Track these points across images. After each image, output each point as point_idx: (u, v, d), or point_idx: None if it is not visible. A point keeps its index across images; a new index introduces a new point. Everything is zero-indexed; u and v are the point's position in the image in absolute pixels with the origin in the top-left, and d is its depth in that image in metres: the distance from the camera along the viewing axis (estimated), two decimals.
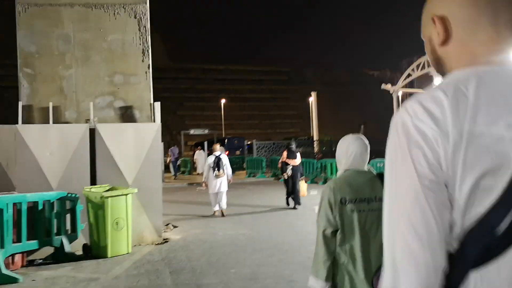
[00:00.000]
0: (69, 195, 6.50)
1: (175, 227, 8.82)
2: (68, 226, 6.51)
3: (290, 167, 10.95)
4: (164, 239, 7.50)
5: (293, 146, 11.58)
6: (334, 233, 2.33)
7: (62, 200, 6.43)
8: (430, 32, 0.97)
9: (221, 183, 9.74)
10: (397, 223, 0.83)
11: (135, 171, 7.27)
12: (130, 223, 6.63)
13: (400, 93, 26.87)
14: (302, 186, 11.10)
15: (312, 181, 16.73)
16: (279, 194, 12.35)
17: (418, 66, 24.00)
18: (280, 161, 11.58)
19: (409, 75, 23.99)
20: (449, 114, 0.81)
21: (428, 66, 22.80)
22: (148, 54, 7.54)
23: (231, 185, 10.56)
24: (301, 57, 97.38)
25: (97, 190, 6.67)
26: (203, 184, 10.23)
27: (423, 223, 0.80)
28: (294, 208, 10.70)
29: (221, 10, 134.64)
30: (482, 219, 0.80)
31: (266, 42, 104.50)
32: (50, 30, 7.18)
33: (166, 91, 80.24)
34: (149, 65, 7.56)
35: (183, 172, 23.69)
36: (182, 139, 22.50)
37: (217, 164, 9.69)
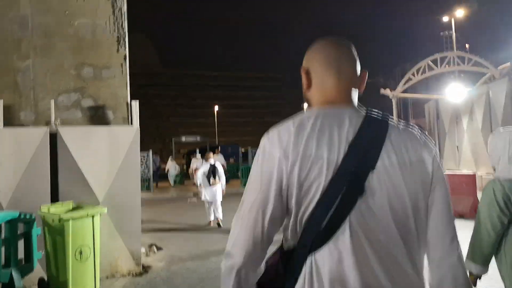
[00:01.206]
0: (23, 216, 5.11)
1: (159, 249, 7.46)
2: (22, 256, 5.15)
3: None
4: (143, 268, 6.13)
5: None
6: None
7: (12, 222, 5.05)
8: (302, 79, 1.39)
9: (216, 192, 9.43)
10: (242, 213, 1.24)
11: (108, 184, 5.90)
12: (99, 251, 5.25)
13: (394, 100, 25.85)
14: None
15: None
16: None
17: (418, 71, 22.94)
18: None
19: (409, 79, 22.92)
20: (292, 141, 1.18)
21: (429, 70, 21.74)
22: (125, 43, 6.21)
23: (224, 195, 9.88)
24: (295, 63, 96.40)
25: (56, 211, 5.28)
26: (197, 195, 9.84)
27: (251, 218, 1.21)
28: None
29: (215, 16, 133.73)
30: (311, 217, 1.16)
31: (259, 48, 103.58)
32: (3, 11, 5.83)
33: (159, 98, 79.03)
34: (125, 56, 6.22)
35: (175, 182, 22.17)
36: (173, 147, 20.94)
37: (212, 172, 9.39)
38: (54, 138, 5.67)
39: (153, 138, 62.85)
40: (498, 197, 2.34)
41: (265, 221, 1.19)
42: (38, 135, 5.67)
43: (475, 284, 2.48)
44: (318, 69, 1.33)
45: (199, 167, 19.55)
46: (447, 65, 20.15)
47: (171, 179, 21.95)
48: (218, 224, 9.48)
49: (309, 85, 1.36)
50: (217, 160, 19.82)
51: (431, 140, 1.28)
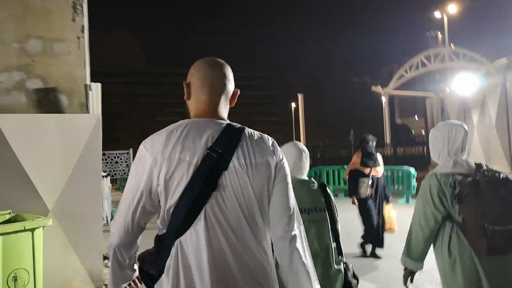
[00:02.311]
0: None
1: None
2: None
3: (368, 181, 6.22)
4: None
5: (371, 142, 6.58)
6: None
7: None
8: (185, 90, 1.69)
9: None
10: (121, 203, 1.57)
11: (59, 188, 4.67)
12: (41, 275, 4.00)
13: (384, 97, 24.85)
14: (389, 214, 6.26)
15: None
16: None
17: (411, 67, 22.08)
18: (347, 170, 6.77)
19: (401, 76, 22.05)
20: (161, 147, 1.50)
21: (422, 66, 20.86)
22: (82, 11, 4.97)
23: None
24: (283, 63, 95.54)
25: None
26: None
27: (125, 208, 1.54)
28: (374, 255, 6.32)
29: (202, 15, 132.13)
30: (175, 209, 1.46)
31: (247, 47, 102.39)
32: None
33: (146, 97, 77.25)
34: (83, 27, 4.99)
35: None
36: None
37: None
38: None
39: (139, 139, 61.13)
40: (433, 193, 2.32)
41: (135, 213, 1.53)
42: None
43: (411, 280, 2.50)
44: (195, 85, 1.66)
45: None
46: (440, 61, 19.28)
47: None
48: None
49: (188, 97, 1.69)
50: None
51: (277, 148, 1.65)
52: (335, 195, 13.34)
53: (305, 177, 2.51)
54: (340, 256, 2.42)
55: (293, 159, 2.45)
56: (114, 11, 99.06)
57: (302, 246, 1.59)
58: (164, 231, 1.51)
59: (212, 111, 1.63)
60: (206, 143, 1.51)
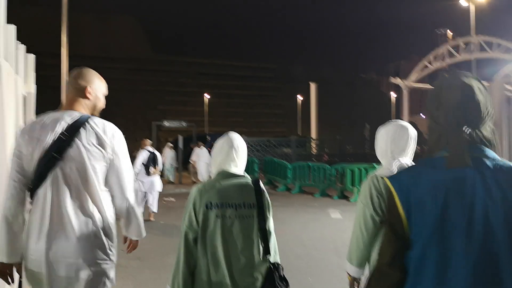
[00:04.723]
0: None
1: None
2: None
3: None
4: None
5: None
6: (197, 239, 2.29)
7: None
8: None
9: (155, 182, 8.81)
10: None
11: None
12: None
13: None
14: None
15: (323, 193, 12.67)
16: (288, 213, 8.25)
17: (435, 58, 20.40)
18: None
19: (425, 66, 20.39)
20: (29, 130, 2.18)
21: (450, 57, 19.21)
22: None
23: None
24: (289, 55, 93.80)
25: None
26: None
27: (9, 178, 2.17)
28: None
29: (209, 2, 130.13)
30: (34, 173, 2.13)
31: (253, 37, 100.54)
32: None
33: (147, 84, 75.72)
34: None
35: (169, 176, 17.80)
36: (154, 133, 17.65)
37: (153, 160, 8.69)
38: None
39: (139, 126, 59.72)
40: (373, 195, 2.27)
41: (13, 180, 2.13)
42: None
43: (355, 287, 2.42)
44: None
45: (200, 159, 16.10)
46: (469, 52, 17.66)
47: (167, 173, 17.06)
48: (149, 218, 8.68)
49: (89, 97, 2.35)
50: (201, 155, 16.35)
51: (114, 135, 2.21)
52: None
53: (237, 171, 2.44)
54: (266, 255, 2.34)
55: (224, 151, 2.42)
56: None
57: (137, 204, 2.34)
58: (31, 186, 2.15)
59: (70, 104, 2.26)
60: (61, 129, 2.13)
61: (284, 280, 2.35)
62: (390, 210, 1.32)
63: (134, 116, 68.45)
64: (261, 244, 2.33)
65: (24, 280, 2.15)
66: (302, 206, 10.84)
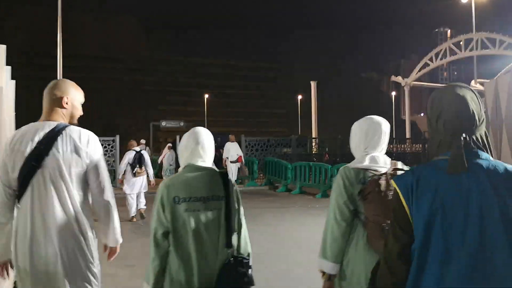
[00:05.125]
0: None
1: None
2: None
3: None
4: None
5: None
6: (166, 234, 2.25)
7: None
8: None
9: (141, 183, 8.93)
10: None
11: None
12: None
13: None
14: None
15: (324, 194, 12.57)
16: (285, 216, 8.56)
17: (437, 55, 20.29)
18: None
19: (426, 64, 20.28)
20: (12, 141, 2.33)
21: (451, 55, 19.12)
22: None
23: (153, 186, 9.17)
24: (289, 54, 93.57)
25: None
26: (120, 182, 9.10)
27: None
28: None
29: (209, 2, 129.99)
30: (17, 179, 2.32)
31: (254, 37, 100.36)
32: None
33: (147, 84, 75.63)
34: None
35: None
36: (150, 133, 17.51)
37: (139, 160, 8.75)
38: None
39: (140, 127, 59.63)
40: (346, 185, 2.30)
41: (4, 186, 2.30)
42: None
43: (330, 285, 2.37)
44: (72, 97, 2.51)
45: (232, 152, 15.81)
46: (471, 49, 17.57)
47: (166, 174, 16.34)
48: (141, 215, 8.85)
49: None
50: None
51: (90, 141, 2.39)
52: None
53: (205, 164, 2.41)
54: (228, 249, 2.29)
55: (190, 148, 2.40)
56: None
57: (114, 201, 2.48)
58: (17, 193, 2.31)
59: (48, 115, 2.41)
60: (38, 138, 2.29)
61: (245, 275, 2.29)
62: (396, 208, 1.46)
63: (134, 116, 68.40)
64: (225, 236, 2.30)
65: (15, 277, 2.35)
66: (303, 208, 10.74)
